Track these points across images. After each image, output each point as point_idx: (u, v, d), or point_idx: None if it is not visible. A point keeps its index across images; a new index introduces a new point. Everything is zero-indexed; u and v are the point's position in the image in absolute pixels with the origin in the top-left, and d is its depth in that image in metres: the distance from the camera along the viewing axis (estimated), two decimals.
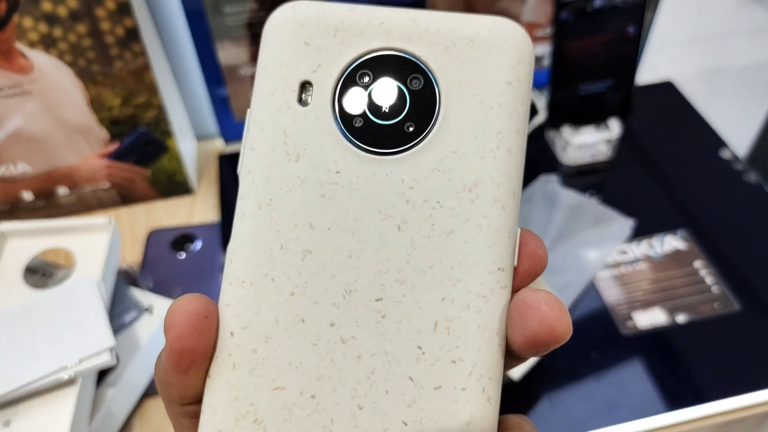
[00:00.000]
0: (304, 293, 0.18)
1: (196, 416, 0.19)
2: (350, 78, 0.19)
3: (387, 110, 0.19)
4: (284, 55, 0.19)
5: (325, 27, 0.19)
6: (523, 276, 0.19)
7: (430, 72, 0.19)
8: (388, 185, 0.19)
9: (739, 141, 0.84)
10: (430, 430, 0.18)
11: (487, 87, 0.19)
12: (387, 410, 0.18)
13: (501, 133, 0.19)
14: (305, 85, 0.19)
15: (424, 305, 0.18)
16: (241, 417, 0.18)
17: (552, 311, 0.18)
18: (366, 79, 0.19)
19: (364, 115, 0.19)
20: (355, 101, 0.19)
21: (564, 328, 0.18)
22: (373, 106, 0.19)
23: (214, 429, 0.18)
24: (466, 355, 0.18)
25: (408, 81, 0.19)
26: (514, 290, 0.19)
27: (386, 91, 0.19)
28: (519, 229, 0.19)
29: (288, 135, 0.19)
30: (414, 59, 0.19)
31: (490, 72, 0.19)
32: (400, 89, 0.19)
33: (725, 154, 0.67)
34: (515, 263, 0.19)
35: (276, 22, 0.20)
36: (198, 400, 0.19)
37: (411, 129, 0.19)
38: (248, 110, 0.20)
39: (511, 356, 0.19)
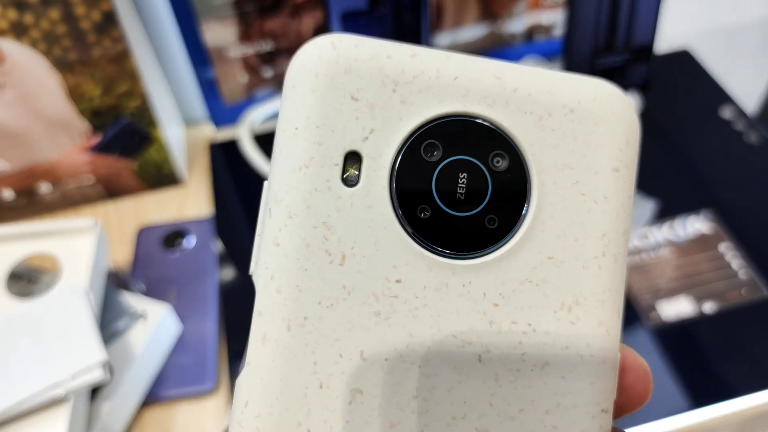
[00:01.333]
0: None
1: None
2: (413, 151, 0.14)
3: (463, 197, 0.15)
4: (324, 113, 0.14)
5: (380, 78, 0.14)
6: (616, 410, 0.15)
7: (520, 149, 0.15)
8: (465, 301, 0.14)
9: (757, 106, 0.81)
10: None
11: (591, 174, 0.15)
12: None
13: (607, 235, 0.15)
14: (352, 158, 0.14)
15: None
16: None
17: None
18: (435, 154, 0.15)
19: (432, 202, 0.15)
20: (421, 184, 0.14)
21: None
22: (444, 192, 0.15)
23: None
24: None
25: (490, 159, 0.15)
26: None
27: (461, 171, 0.15)
28: (619, 354, 0.15)
29: (329, 227, 0.14)
30: (499, 130, 0.15)
31: (594, 154, 0.15)
32: (479, 169, 0.15)
33: (751, 132, 0.63)
34: (614, 396, 0.15)
35: (310, 63, 0.14)
36: None
37: (494, 225, 0.15)
38: (266, 184, 0.15)
39: None
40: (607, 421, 0.15)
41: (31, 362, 0.42)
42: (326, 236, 0.14)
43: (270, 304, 0.14)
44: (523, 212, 0.15)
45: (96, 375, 0.42)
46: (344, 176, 0.14)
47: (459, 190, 0.14)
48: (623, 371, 0.15)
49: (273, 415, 0.13)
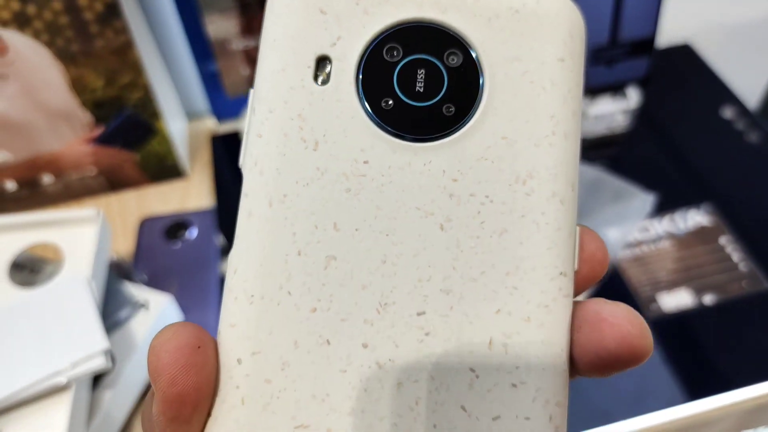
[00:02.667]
0: (329, 308, 0.15)
1: None
2: (376, 53, 0.16)
3: (421, 90, 0.16)
4: (297, 25, 0.16)
5: None
6: (580, 282, 0.16)
7: (471, 46, 0.16)
8: (426, 177, 0.16)
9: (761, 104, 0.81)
10: None
11: (538, 64, 0.16)
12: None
13: (556, 116, 0.16)
14: (323, 61, 0.16)
15: (476, 319, 0.15)
16: None
17: (635, 328, 0.15)
18: (395, 55, 0.16)
19: (394, 95, 0.16)
20: (383, 80, 0.16)
21: (648, 346, 0.15)
22: (404, 86, 0.16)
23: None
24: (528, 378, 0.15)
25: (445, 57, 0.16)
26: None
27: (420, 68, 0.16)
28: (578, 228, 0.16)
29: (303, 118, 0.16)
30: (452, 32, 0.16)
31: (540, 47, 0.16)
32: (436, 66, 0.16)
33: (749, 122, 0.63)
34: (575, 267, 0.16)
35: None
36: None
37: (451, 111, 0.16)
38: (251, 90, 0.17)
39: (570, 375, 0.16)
40: (567, 284, 0.16)
41: (33, 350, 0.42)
42: (301, 126, 0.16)
43: (254, 185, 0.16)
44: (477, 100, 0.16)
45: (98, 363, 0.42)
46: (316, 76, 0.16)
47: (418, 84, 0.16)
48: (583, 244, 0.16)
49: (258, 279, 0.15)
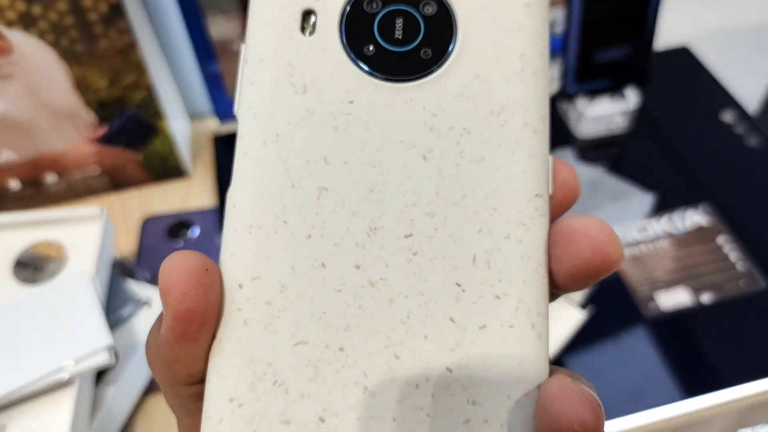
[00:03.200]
0: (323, 234, 0.16)
1: None
2: (357, 5, 0.18)
3: (400, 37, 0.18)
4: None
5: None
6: (555, 207, 0.18)
7: None
8: (408, 113, 0.17)
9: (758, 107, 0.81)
10: (479, 375, 0.16)
11: (506, 10, 0.18)
12: (428, 357, 0.16)
13: (525, 55, 0.18)
14: (308, 14, 0.18)
15: (459, 239, 0.16)
16: (257, 380, 0.16)
17: (605, 236, 0.16)
18: (374, 6, 0.18)
19: (375, 42, 0.18)
20: (365, 29, 0.18)
21: (619, 253, 0.16)
22: (384, 33, 0.18)
23: (225, 397, 0.15)
24: (511, 290, 0.16)
25: (420, 7, 0.18)
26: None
27: (398, 17, 0.18)
28: (551, 157, 0.18)
29: (293, 66, 0.17)
30: None
31: None
32: (412, 15, 0.18)
33: (748, 126, 0.64)
34: (550, 192, 0.17)
35: None
36: (204, 378, 0.16)
37: (428, 55, 0.18)
38: (242, 45, 0.18)
39: (551, 291, 0.17)
40: (543, 205, 0.17)
41: (37, 346, 0.43)
42: (291, 73, 0.17)
43: (248, 127, 0.17)
44: (451, 44, 0.18)
45: (101, 358, 0.42)
46: (303, 28, 0.18)
47: (397, 32, 0.18)
48: (556, 171, 0.18)
49: (255, 211, 0.16)
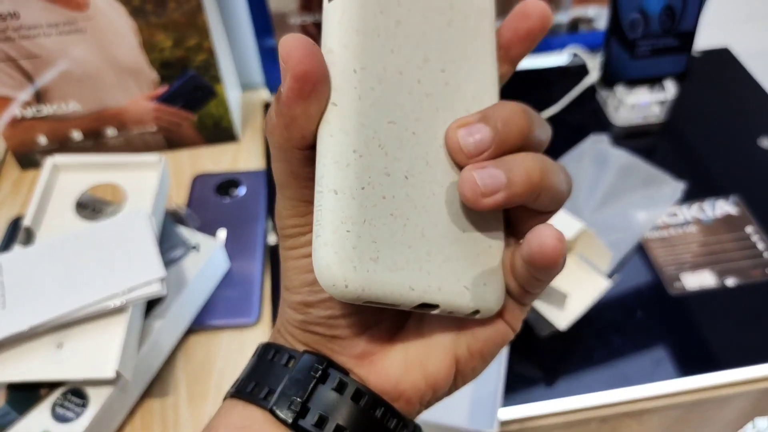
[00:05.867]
0: (400, 53, 0.21)
1: (313, 162, 0.20)
2: None
3: None
4: None
5: None
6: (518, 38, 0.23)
7: None
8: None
9: None
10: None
11: None
12: (456, 108, 0.22)
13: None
14: None
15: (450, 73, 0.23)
16: (369, 140, 0.20)
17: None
18: None
19: None
20: None
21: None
22: None
23: (349, 148, 0.19)
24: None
25: None
26: None
27: None
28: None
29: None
30: None
31: None
32: None
33: None
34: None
35: None
36: (314, 143, 0.20)
37: None
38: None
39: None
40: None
41: (95, 274, 0.46)
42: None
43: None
44: None
45: (154, 288, 0.45)
46: None
47: None
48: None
49: (353, 34, 0.20)
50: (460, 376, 0.25)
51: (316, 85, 0.19)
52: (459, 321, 0.24)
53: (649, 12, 0.60)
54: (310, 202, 0.22)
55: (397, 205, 0.20)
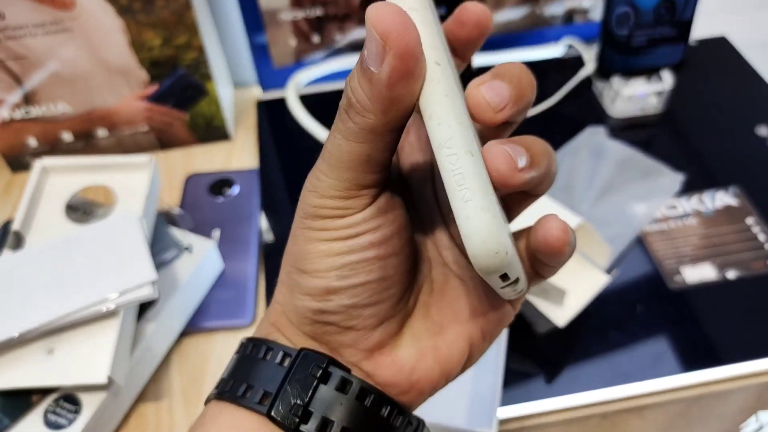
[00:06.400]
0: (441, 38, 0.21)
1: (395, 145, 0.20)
2: None
3: None
4: None
5: None
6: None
7: None
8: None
9: None
10: None
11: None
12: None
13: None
14: None
15: None
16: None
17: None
18: None
19: None
20: None
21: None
22: None
23: (461, 108, 0.19)
24: None
25: None
26: None
27: None
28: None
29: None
30: None
31: None
32: None
33: None
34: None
35: None
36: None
37: None
38: None
39: None
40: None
41: (86, 278, 0.45)
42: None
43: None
44: None
45: (146, 292, 0.44)
46: None
47: None
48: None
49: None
50: (469, 360, 0.24)
51: (419, 60, 0.18)
52: (472, 304, 0.24)
53: (641, 5, 0.59)
54: (365, 186, 0.21)
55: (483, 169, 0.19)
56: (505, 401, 0.45)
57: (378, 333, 0.23)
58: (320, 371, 0.22)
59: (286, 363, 0.22)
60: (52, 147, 0.63)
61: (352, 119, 0.20)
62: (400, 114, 0.19)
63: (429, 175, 0.25)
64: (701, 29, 0.72)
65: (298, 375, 0.22)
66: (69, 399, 0.43)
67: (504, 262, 0.18)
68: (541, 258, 0.22)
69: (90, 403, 0.43)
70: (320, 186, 0.21)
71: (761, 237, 0.53)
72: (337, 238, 0.22)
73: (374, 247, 0.22)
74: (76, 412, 0.43)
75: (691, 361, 0.47)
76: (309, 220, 0.22)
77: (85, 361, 0.43)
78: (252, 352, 0.23)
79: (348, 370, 0.22)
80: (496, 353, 0.45)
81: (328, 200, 0.21)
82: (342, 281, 0.22)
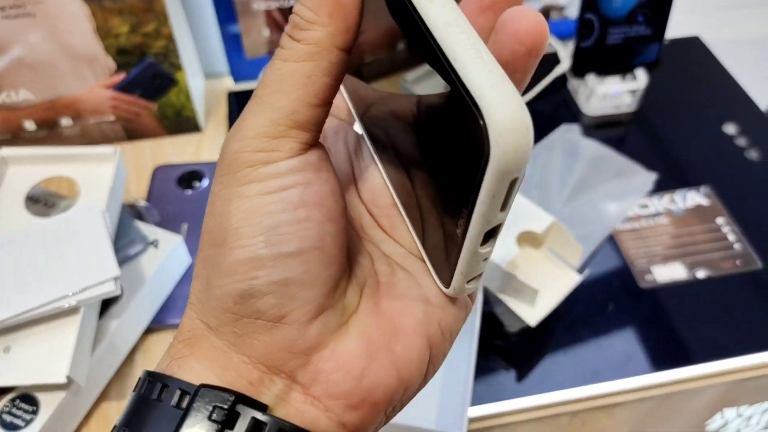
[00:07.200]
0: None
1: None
2: None
3: None
4: None
5: None
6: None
7: None
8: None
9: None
10: None
11: None
12: None
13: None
14: None
15: None
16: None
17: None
18: None
19: None
20: None
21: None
22: None
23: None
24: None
25: None
26: None
27: None
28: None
29: None
30: None
31: None
32: None
33: (752, 110, 0.65)
34: None
35: None
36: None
37: None
38: None
39: None
40: None
41: (46, 274, 0.44)
42: None
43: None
44: None
45: (107, 288, 0.43)
46: None
47: None
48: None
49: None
50: (431, 363, 0.21)
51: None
52: (425, 295, 0.21)
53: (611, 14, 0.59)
54: (296, 125, 0.19)
55: None
56: (476, 400, 0.44)
57: (316, 327, 0.19)
58: (224, 414, 0.18)
59: (185, 403, 0.18)
60: (14, 136, 0.61)
61: (295, 37, 0.19)
62: (347, 22, 0.18)
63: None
64: (675, 29, 0.72)
65: (196, 418, 0.18)
66: (26, 399, 0.42)
67: (530, 144, 0.16)
68: (510, 62, 0.17)
69: (48, 403, 0.42)
70: (243, 126, 0.19)
71: (731, 237, 0.54)
72: (263, 192, 0.19)
73: (306, 207, 0.19)
74: (34, 412, 0.41)
75: (660, 360, 0.47)
76: (228, 174, 0.19)
77: (44, 359, 0.42)
78: (145, 392, 0.19)
79: (264, 408, 0.18)
80: (468, 353, 0.44)
81: (251, 140, 0.19)
82: (270, 248, 0.18)
